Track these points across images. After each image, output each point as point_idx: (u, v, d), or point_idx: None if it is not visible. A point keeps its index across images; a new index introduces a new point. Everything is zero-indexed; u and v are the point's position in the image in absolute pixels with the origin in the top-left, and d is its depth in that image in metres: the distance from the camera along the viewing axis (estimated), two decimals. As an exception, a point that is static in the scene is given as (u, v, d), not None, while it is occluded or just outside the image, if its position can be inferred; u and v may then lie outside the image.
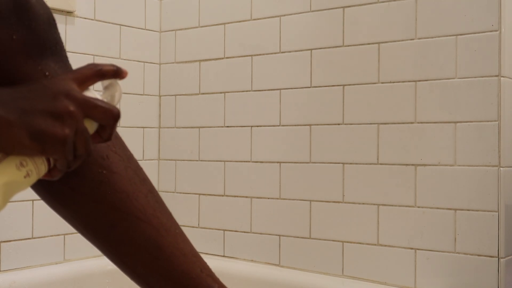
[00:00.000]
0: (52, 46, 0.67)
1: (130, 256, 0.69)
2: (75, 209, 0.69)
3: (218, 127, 1.77)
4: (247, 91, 1.71)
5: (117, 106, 0.60)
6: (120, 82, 0.62)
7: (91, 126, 0.57)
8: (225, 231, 1.75)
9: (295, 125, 1.62)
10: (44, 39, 0.65)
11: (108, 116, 0.57)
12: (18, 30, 0.63)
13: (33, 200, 1.56)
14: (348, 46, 1.53)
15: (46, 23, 0.66)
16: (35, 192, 0.69)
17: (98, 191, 0.67)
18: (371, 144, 1.49)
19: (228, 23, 1.75)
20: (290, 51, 1.63)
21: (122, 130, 1.77)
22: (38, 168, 0.55)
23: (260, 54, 1.69)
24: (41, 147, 0.52)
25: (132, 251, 0.69)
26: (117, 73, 0.61)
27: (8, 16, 0.62)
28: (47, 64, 0.66)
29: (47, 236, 1.60)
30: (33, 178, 0.55)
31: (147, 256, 0.69)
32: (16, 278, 1.48)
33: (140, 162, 0.73)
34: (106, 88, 0.62)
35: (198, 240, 1.78)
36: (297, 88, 1.62)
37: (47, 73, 0.65)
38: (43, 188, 0.68)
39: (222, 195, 1.76)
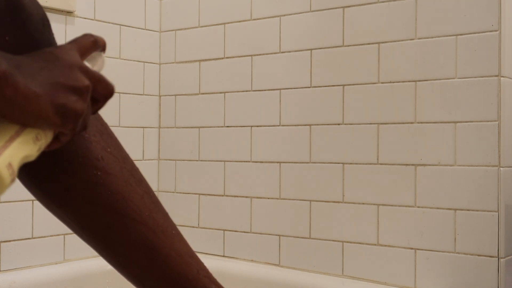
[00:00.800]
0: (46, 47, 0.66)
1: (126, 257, 0.69)
2: (70, 210, 0.68)
3: (218, 127, 1.77)
4: (247, 91, 1.71)
5: None
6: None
7: None
8: (225, 231, 1.75)
9: (295, 125, 1.62)
10: (38, 40, 0.65)
11: (107, 91, 0.57)
12: (11, 31, 0.63)
13: (33, 200, 1.56)
14: (348, 46, 1.53)
15: (39, 24, 0.65)
16: (30, 192, 0.69)
17: (93, 192, 0.66)
18: (371, 144, 1.49)
19: (228, 23, 1.75)
20: (290, 51, 1.63)
21: (122, 130, 1.77)
22: (46, 141, 0.54)
23: (260, 54, 1.69)
24: (62, 121, 0.51)
25: (128, 252, 0.68)
26: (105, 44, 0.61)
27: (1, 17, 0.62)
28: None
29: (47, 236, 1.60)
30: (41, 151, 0.54)
31: (143, 258, 0.68)
32: (16, 278, 1.48)
33: (140, 162, 0.73)
34: (89, 59, 0.60)
35: (198, 240, 1.78)
36: (297, 88, 1.62)
37: None
38: (38, 189, 0.68)
39: (222, 195, 1.76)
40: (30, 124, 0.50)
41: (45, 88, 0.49)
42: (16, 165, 0.50)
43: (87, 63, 0.58)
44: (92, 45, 0.58)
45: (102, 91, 0.56)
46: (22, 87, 0.47)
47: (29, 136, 0.51)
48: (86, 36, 0.59)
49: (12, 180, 0.50)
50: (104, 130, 0.70)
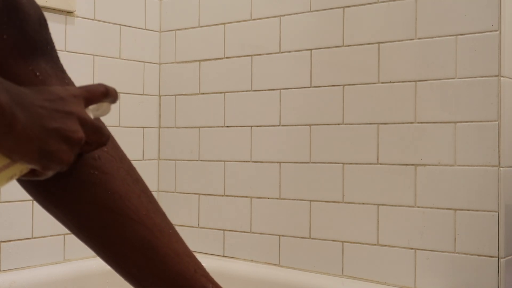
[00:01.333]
0: (43, 47, 0.66)
1: (124, 257, 0.69)
2: (67, 210, 0.68)
3: (218, 127, 1.77)
4: (247, 91, 1.71)
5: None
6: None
7: None
8: (225, 231, 1.75)
9: (295, 125, 1.62)
10: (35, 40, 0.65)
11: (101, 141, 0.60)
12: (9, 31, 0.63)
13: (33, 200, 1.56)
14: (348, 46, 1.53)
15: (36, 23, 0.65)
16: (26, 192, 0.69)
17: (90, 192, 0.66)
18: (371, 144, 1.49)
19: (228, 23, 1.75)
20: (290, 51, 1.63)
21: (122, 130, 1.77)
22: (20, 175, 0.55)
23: (260, 54, 1.69)
24: (43, 166, 0.53)
25: (125, 252, 0.68)
26: (116, 96, 0.63)
27: None
28: (38, 64, 0.65)
29: (47, 236, 1.60)
30: None
31: (140, 257, 0.68)
32: (16, 278, 1.48)
33: (140, 162, 0.73)
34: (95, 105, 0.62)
35: (198, 240, 1.78)
36: (297, 88, 1.62)
37: (38, 73, 0.65)
38: (35, 188, 0.68)
39: (222, 195, 1.76)
40: (13, 159, 0.51)
41: (39, 132, 0.51)
42: None
43: (91, 107, 0.60)
44: (101, 95, 0.60)
45: (96, 140, 0.59)
46: (19, 127, 0.48)
47: (10, 174, 0.52)
48: (98, 86, 0.60)
49: None
50: None
